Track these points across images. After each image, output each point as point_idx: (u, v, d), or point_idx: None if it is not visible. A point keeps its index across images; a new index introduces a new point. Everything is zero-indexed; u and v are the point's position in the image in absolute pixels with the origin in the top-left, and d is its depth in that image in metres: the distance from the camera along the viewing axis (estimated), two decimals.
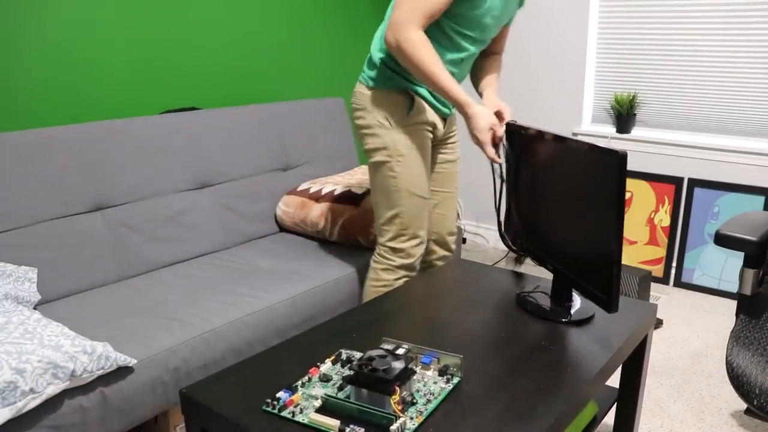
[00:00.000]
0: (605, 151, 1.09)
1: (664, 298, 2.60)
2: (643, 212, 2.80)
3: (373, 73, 1.68)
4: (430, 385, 1.04)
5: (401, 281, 1.76)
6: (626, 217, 2.86)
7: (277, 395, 1.00)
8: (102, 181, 1.85)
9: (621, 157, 1.05)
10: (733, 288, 2.58)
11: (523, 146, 1.45)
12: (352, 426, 0.93)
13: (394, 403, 0.94)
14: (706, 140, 2.63)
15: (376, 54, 1.67)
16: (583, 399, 1.06)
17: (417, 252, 1.77)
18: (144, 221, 1.92)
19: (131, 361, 1.33)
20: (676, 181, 2.70)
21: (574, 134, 2.96)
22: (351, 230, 2.04)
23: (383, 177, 1.70)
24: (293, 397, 1.00)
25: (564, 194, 1.27)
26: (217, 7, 2.48)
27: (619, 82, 2.83)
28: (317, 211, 2.13)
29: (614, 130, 2.86)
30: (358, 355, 1.15)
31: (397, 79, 1.65)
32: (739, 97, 2.53)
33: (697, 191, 2.65)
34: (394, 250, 1.74)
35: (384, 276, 1.76)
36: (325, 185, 2.24)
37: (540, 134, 1.35)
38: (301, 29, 2.85)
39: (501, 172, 1.55)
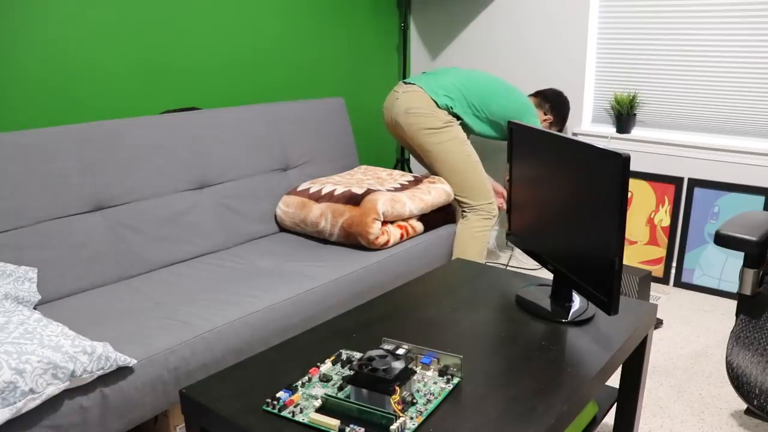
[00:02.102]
0: (608, 154, 1.09)
1: (664, 298, 2.60)
2: (643, 212, 2.80)
3: None
4: (430, 385, 1.04)
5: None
6: (626, 217, 2.85)
7: (277, 395, 1.00)
8: (102, 181, 1.85)
9: (624, 160, 1.05)
10: (733, 288, 2.58)
11: (524, 146, 1.45)
12: (352, 426, 0.93)
13: (394, 403, 0.94)
14: (706, 140, 2.63)
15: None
16: (583, 399, 1.06)
17: None
18: (144, 221, 1.92)
19: (131, 361, 1.33)
20: (676, 181, 2.70)
21: (574, 134, 2.96)
22: (351, 230, 2.04)
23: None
24: (293, 397, 1.00)
25: (565, 196, 1.27)
26: (217, 7, 2.48)
27: (619, 82, 2.83)
28: (317, 211, 2.13)
29: (614, 130, 2.86)
30: (358, 355, 1.15)
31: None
32: (739, 97, 2.53)
33: (697, 191, 2.65)
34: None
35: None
36: (325, 185, 2.24)
37: (542, 135, 1.35)
38: (302, 29, 2.85)
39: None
